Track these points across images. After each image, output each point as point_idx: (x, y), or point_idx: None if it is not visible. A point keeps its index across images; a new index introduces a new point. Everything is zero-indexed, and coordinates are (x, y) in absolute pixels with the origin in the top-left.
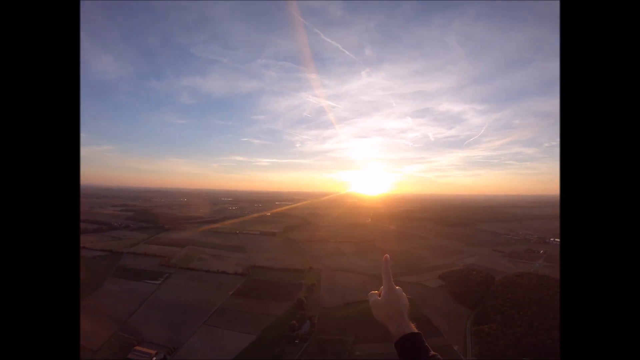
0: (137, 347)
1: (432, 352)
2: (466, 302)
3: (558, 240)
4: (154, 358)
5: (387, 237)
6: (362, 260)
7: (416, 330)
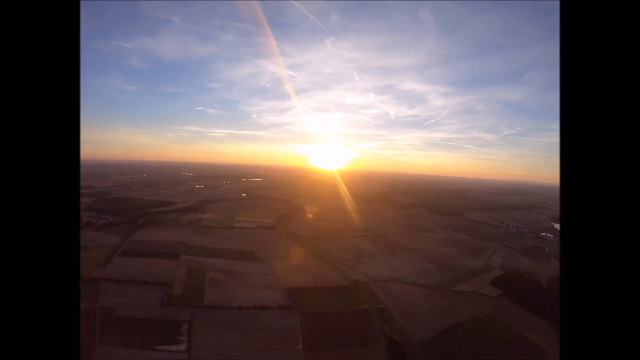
0: None
1: None
2: (540, 313)
3: (550, 235)
4: None
5: (395, 229)
6: (399, 264)
7: None
